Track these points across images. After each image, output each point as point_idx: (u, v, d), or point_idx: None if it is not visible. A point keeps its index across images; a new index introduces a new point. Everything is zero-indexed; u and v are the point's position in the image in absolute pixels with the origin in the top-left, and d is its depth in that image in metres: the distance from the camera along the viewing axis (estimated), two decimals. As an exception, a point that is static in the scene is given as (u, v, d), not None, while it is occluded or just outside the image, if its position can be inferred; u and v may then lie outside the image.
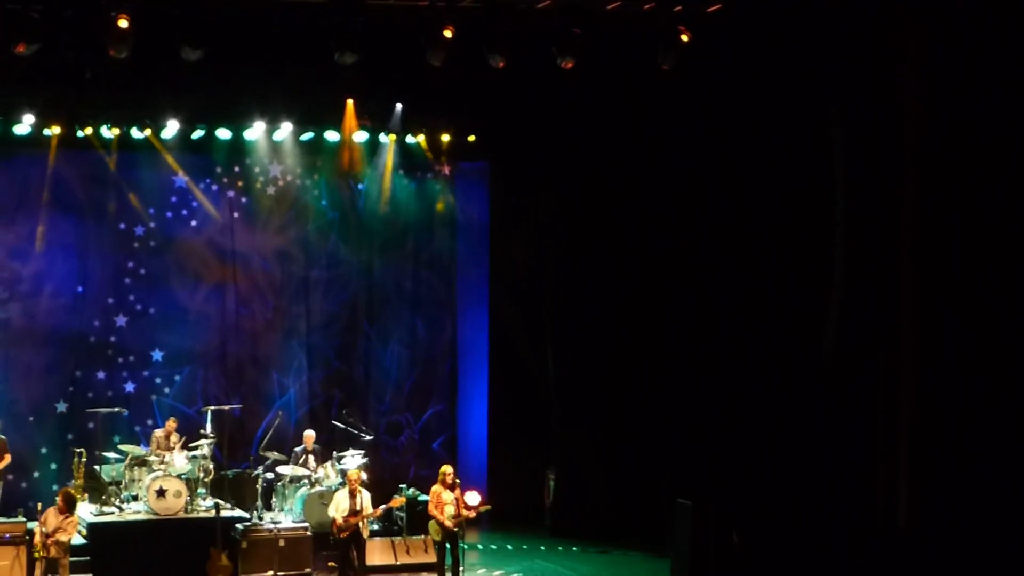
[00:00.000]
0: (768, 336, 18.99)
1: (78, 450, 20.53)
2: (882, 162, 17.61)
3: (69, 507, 16.63)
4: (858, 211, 17.78)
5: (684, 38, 18.29)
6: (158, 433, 20.39)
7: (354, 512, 17.29)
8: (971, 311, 16.61)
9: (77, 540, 18.43)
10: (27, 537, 17.41)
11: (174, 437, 20.10)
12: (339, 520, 17.29)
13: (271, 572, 18.57)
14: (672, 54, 18.45)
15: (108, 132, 21.76)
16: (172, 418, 20.72)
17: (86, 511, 19.22)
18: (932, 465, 16.94)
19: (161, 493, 18.74)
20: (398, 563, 19.27)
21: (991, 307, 16.43)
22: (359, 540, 17.43)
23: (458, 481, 17.69)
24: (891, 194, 17.51)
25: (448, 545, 17.56)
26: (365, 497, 17.46)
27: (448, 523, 17.35)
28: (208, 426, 20.29)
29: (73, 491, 17.21)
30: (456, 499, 17.46)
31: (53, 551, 16.33)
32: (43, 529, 16.51)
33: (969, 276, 16.65)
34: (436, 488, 17.56)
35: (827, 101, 18.03)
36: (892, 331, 17.52)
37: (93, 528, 18.51)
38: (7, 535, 17.37)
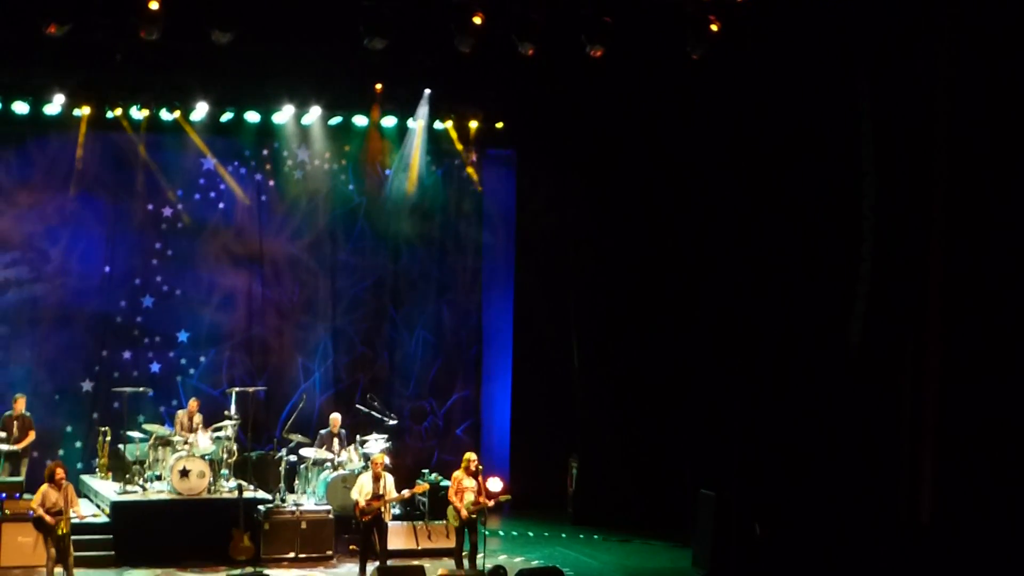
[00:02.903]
0: (794, 328, 18.93)
1: (103, 429, 20.71)
2: (911, 156, 17.53)
3: (66, 476, 16.38)
4: (886, 204, 17.71)
5: (714, 28, 18.23)
6: (181, 414, 20.51)
7: (377, 496, 17.31)
8: (998, 306, 16.52)
9: (101, 519, 18.56)
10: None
11: (197, 417, 20.20)
12: (362, 503, 17.31)
13: (293, 554, 18.65)
14: (702, 43, 18.39)
15: (137, 113, 21.80)
16: (194, 398, 20.79)
17: (109, 489, 19.35)
18: (956, 461, 16.88)
19: (184, 473, 18.81)
20: (419, 547, 19.24)
21: (1019, 302, 16.33)
22: (381, 524, 17.45)
23: (481, 468, 17.68)
24: (920, 188, 17.43)
25: (466, 531, 17.58)
26: (388, 481, 17.47)
27: (464, 511, 17.36)
28: (232, 408, 20.36)
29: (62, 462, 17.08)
30: (478, 486, 17.46)
31: (66, 527, 16.25)
32: (46, 507, 16.21)
33: (997, 271, 16.56)
34: (458, 474, 17.56)
35: (857, 93, 17.95)
36: (918, 326, 17.45)
37: (116, 507, 18.60)
38: (31, 511, 17.41)
